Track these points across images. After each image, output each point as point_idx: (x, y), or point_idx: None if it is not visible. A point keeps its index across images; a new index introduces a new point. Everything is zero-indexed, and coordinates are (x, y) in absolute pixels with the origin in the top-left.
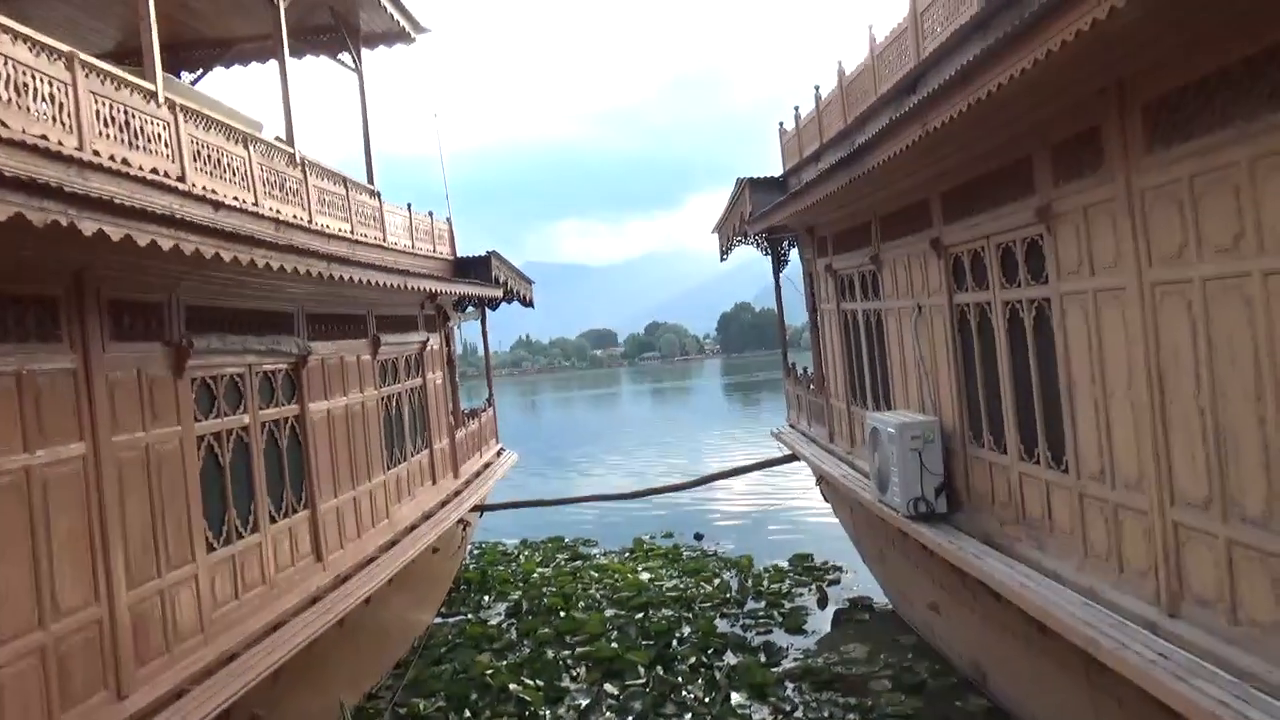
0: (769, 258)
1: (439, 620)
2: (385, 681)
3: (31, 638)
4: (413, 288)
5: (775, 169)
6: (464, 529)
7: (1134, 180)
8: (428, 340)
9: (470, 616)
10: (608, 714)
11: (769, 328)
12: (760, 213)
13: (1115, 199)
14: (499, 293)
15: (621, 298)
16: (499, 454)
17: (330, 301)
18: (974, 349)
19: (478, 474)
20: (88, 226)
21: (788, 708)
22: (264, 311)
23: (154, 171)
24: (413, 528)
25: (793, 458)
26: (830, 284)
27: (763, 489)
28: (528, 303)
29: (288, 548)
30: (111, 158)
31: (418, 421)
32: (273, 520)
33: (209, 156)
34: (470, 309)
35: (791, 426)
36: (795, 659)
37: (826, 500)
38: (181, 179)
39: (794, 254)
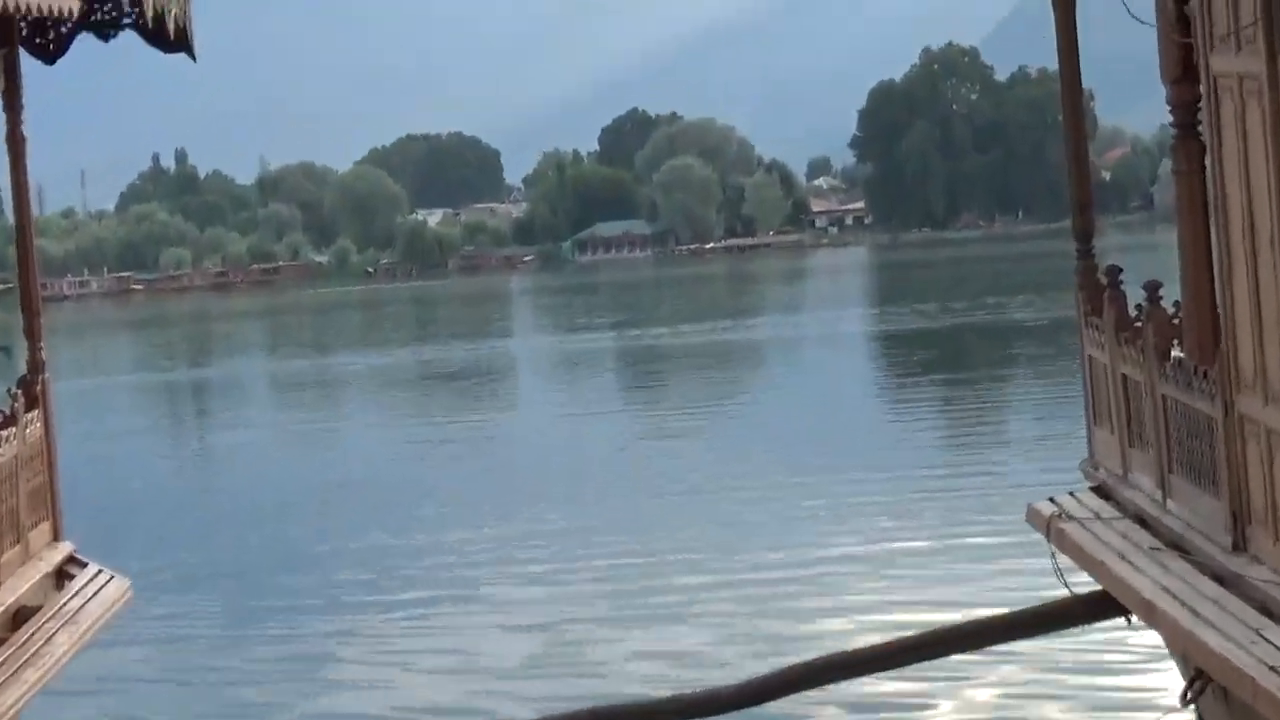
0: None
1: None
2: None
3: None
4: None
5: None
6: None
7: None
8: None
9: None
10: None
11: (1028, 131)
12: None
13: None
14: None
15: (535, 38)
16: (61, 574)
17: None
18: None
19: None
20: None
21: None
22: None
23: None
24: None
25: (1101, 603)
26: None
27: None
28: (178, 40)
29: None
30: None
31: None
32: None
33: None
34: None
35: (1096, 488)
36: None
37: None
38: None
39: None
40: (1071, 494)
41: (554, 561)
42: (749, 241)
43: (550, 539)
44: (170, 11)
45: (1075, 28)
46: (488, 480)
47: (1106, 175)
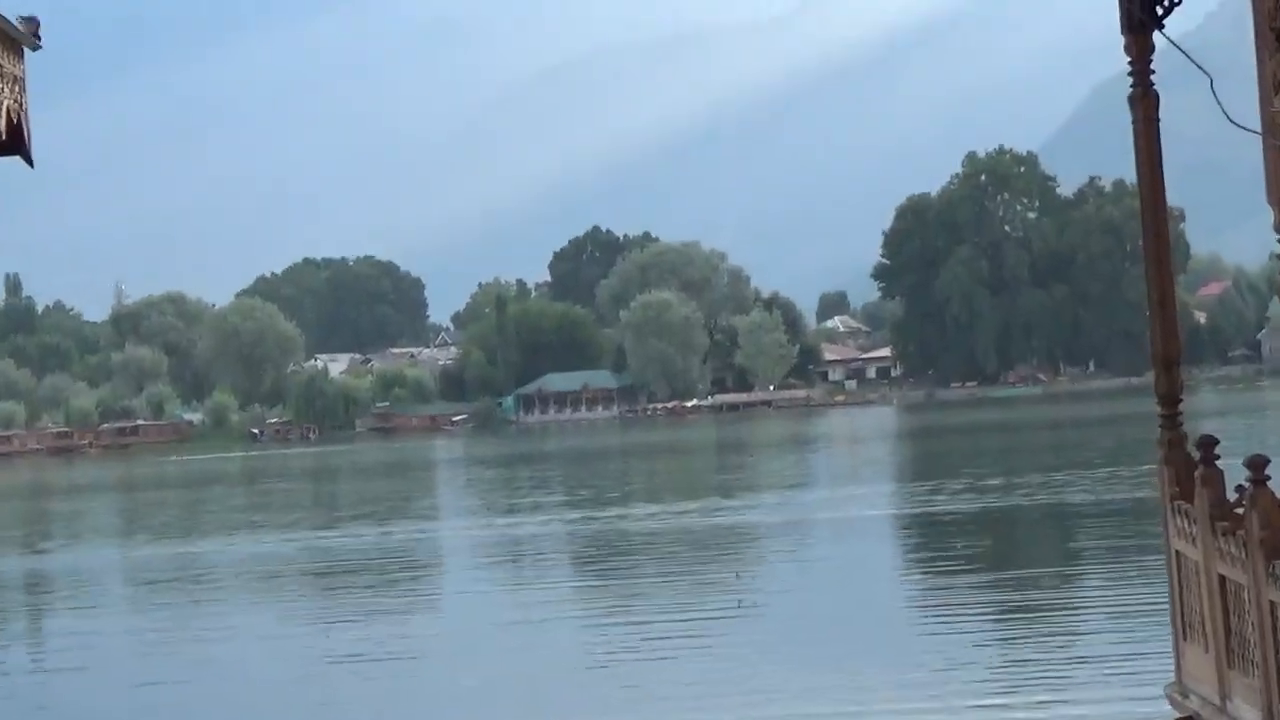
0: None
1: None
2: None
3: None
4: None
5: None
6: None
7: None
8: None
9: None
10: None
11: (1100, 259)
12: None
13: None
14: None
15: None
16: None
17: None
18: None
19: None
20: None
21: None
22: None
23: None
24: None
25: None
26: None
27: None
28: (11, 140)
29: None
30: None
31: None
32: None
33: None
34: None
35: (1186, 719)
36: None
37: None
38: None
39: None
40: None
41: None
42: (743, 398)
43: None
44: (2, 105)
45: (1158, 133)
46: (400, 707)
47: (1201, 317)
